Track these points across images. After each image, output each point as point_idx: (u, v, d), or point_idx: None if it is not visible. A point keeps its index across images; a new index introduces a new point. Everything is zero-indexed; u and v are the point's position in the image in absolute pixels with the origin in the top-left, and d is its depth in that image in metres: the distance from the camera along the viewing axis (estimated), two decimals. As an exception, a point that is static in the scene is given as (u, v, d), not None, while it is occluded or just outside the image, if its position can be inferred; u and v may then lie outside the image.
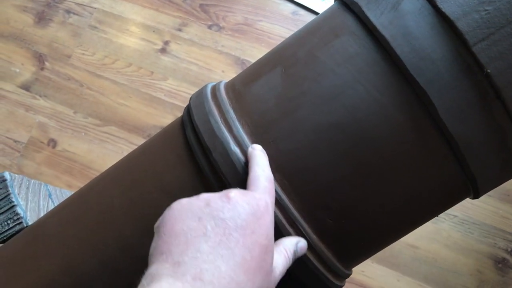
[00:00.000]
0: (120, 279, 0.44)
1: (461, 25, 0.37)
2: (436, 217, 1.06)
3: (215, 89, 0.47)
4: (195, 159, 0.43)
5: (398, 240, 1.08)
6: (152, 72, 1.26)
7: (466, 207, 1.09)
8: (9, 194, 0.66)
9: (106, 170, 0.52)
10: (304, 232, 0.41)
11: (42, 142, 1.24)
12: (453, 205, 0.46)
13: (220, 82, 0.48)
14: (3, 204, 0.65)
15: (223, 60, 1.25)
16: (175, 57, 1.27)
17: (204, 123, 0.43)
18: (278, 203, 0.40)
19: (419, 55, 0.38)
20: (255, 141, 0.41)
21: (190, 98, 0.47)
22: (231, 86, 0.47)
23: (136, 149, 0.51)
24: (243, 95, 0.44)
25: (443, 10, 0.37)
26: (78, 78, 1.28)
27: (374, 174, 0.40)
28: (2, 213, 0.65)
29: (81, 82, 1.28)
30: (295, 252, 0.38)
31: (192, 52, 1.26)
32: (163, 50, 1.28)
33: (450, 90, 0.37)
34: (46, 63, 1.30)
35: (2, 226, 0.65)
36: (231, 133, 0.42)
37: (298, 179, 0.40)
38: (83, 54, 1.30)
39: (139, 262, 0.43)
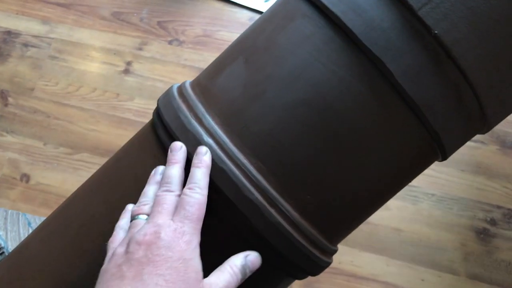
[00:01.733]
0: None
1: (405, -8, 0.39)
2: (415, 198, 1.08)
3: (181, 88, 0.48)
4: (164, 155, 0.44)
5: (382, 225, 1.10)
6: (118, 94, 1.26)
7: (442, 185, 1.11)
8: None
9: (81, 185, 0.52)
10: (285, 211, 0.41)
11: (14, 178, 1.22)
12: (424, 169, 0.48)
13: (185, 82, 0.49)
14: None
15: (187, 73, 1.26)
16: (139, 76, 1.27)
17: (174, 119, 0.44)
18: (257, 186, 0.41)
19: (370, 26, 0.39)
20: (227, 130, 0.42)
21: (158, 100, 0.48)
22: (197, 83, 0.48)
23: (109, 159, 0.51)
24: (210, 88, 0.45)
25: (386, -19, 0.39)
26: (44, 110, 1.27)
27: (344, 145, 0.41)
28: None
29: (47, 113, 1.27)
30: (243, 266, 0.41)
31: (155, 69, 1.27)
32: (126, 71, 1.28)
33: (404, 55, 0.39)
34: (9, 99, 1.29)
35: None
36: (202, 125, 0.43)
37: (273, 159, 0.42)
38: (46, 85, 1.29)
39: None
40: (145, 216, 0.42)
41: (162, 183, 0.42)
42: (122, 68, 1.28)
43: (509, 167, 1.11)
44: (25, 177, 1.22)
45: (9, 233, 0.65)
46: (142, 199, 0.43)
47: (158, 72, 1.27)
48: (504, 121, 1.13)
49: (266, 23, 0.46)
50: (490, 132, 1.12)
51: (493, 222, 1.08)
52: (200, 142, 0.42)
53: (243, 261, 0.41)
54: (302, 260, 0.43)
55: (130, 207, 0.45)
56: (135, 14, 1.32)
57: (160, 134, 0.45)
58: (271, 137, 0.42)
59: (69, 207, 0.49)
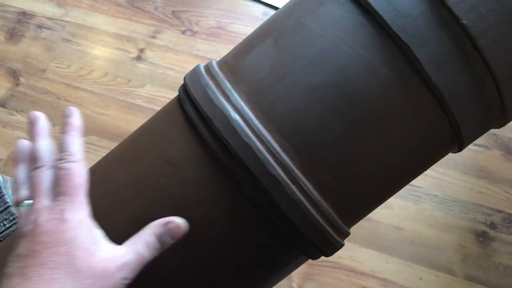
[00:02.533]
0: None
1: (435, -18, 0.40)
2: (417, 198, 1.10)
3: (208, 67, 0.49)
4: (196, 131, 0.45)
5: (384, 223, 1.12)
6: (129, 80, 1.27)
7: (445, 186, 1.13)
8: (3, 195, 0.66)
9: (104, 156, 0.53)
10: (306, 189, 0.43)
11: (22, 157, 1.23)
12: (440, 158, 0.49)
13: (212, 61, 0.50)
14: (-3, 206, 0.66)
15: (199, 63, 1.27)
16: (151, 63, 1.28)
17: (202, 95, 0.45)
18: (280, 162, 0.42)
19: (400, 13, 0.41)
20: (253, 107, 0.44)
21: (184, 78, 0.49)
22: (224, 62, 0.49)
23: (136, 130, 0.52)
24: (237, 67, 0.47)
25: (418, -30, 0.41)
26: (55, 91, 1.28)
27: (367, 128, 0.43)
28: (-2, 214, 0.65)
29: (58, 95, 1.28)
30: (156, 234, 0.39)
31: (167, 58, 1.28)
32: (138, 58, 1.29)
33: (431, 43, 0.41)
34: (21, 79, 1.30)
35: (-2, 227, 0.65)
36: (229, 101, 0.44)
37: (297, 138, 0.43)
38: (58, 67, 1.30)
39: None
40: (26, 202, 0.39)
41: (30, 161, 0.40)
42: (134, 55, 1.29)
43: (511, 173, 1.13)
44: (33, 157, 1.23)
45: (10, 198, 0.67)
46: (15, 185, 0.41)
47: (170, 60, 1.28)
48: (509, 127, 1.15)
49: (296, 7, 0.47)
50: (494, 137, 1.14)
51: (492, 225, 1.10)
52: (227, 118, 0.43)
53: (156, 227, 0.40)
54: (319, 239, 0.45)
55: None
56: (150, 2, 1.34)
57: (187, 109, 0.46)
58: (296, 116, 0.43)
59: (94, 174, 0.51)
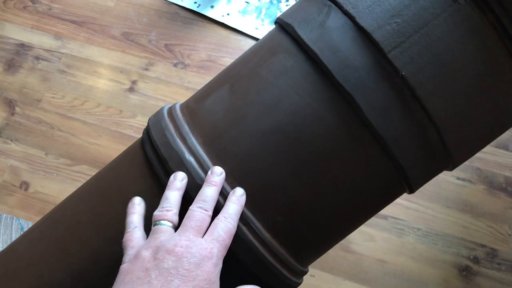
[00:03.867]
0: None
1: (377, 36, 0.43)
2: (401, 231, 1.10)
3: (171, 109, 0.51)
4: (154, 172, 0.47)
5: (367, 256, 1.12)
6: (121, 111, 1.31)
7: (428, 220, 1.14)
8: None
9: (73, 192, 0.55)
10: (256, 230, 0.45)
11: (14, 185, 1.26)
12: (392, 201, 0.51)
13: (176, 103, 0.53)
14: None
15: (189, 94, 1.29)
16: (143, 95, 1.31)
17: (161, 137, 0.47)
18: None
19: (343, 64, 0.43)
20: (208, 150, 0.46)
21: (149, 119, 0.52)
22: (186, 105, 0.51)
23: (102, 169, 0.55)
24: (196, 111, 0.49)
25: (361, 24, 0.43)
26: (49, 121, 1.31)
27: (313, 172, 0.45)
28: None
29: (51, 125, 1.31)
30: None
31: (159, 89, 1.31)
32: (131, 89, 1.33)
33: (373, 92, 0.43)
34: (17, 108, 1.33)
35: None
36: (186, 144, 0.46)
37: (248, 181, 0.45)
38: (53, 97, 1.34)
39: (110, 271, 0.46)
40: (169, 223, 0.43)
41: (198, 199, 0.43)
42: (127, 86, 1.33)
43: (494, 207, 1.14)
44: (25, 185, 1.26)
45: (2, 235, 0.68)
46: (165, 204, 0.44)
47: (162, 92, 1.31)
48: (493, 162, 1.16)
49: (252, 55, 0.50)
50: (478, 171, 1.15)
51: (476, 260, 1.10)
52: (182, 160, 0.45)
53: None
54: (271, 278, 0.46)
55: (137, 200, 0.46)
56: (144, 36, 1.38)
57: (147, 150, 0.48)
58: (246, 159, 0.45)
59: (60, 211, 0.53)
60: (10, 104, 1.34)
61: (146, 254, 0.40)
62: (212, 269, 0.40)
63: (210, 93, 0.50)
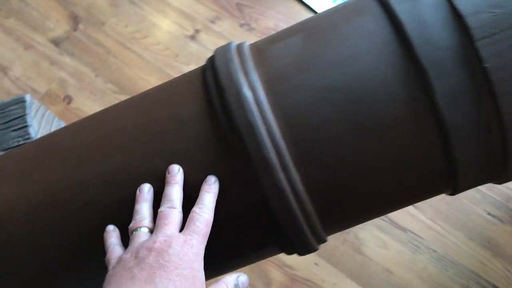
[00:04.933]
0: (120, 192, 0.47)
1: (470, 21, 0.41)
2: (416, 248, 1.08)
3: (240, 45, 0.51)
4: (209, 98, 0.47)
5: (375, 262, 1.10)
6: (178, 55, 1.32)
7: (447, 245, 1.11)
8: (25, 115, 0.70)
9: (124, 100, 0.56)
10: (293, 179, 0.44)
11: (58, 96, 1.29)
12: (430, 196, 0.49)
13: (245, 42, 0.53)
14: (18, 122, 0.70)
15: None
16: (203, 46, 1.32)
17: (224, 66, 0.47)
18: (277, 148, 0.44)
19: (428, 41, 0.42)
20: (267, 90, 0.45)
21: (215, 49, 0.52)
22: (255, 45, 0.51)
23: (153, 87, 0.55)
24: (264, 51, 0.49)
25: (458, 6, 0.42)
26: (107, 45, 1.33)
27: (367, 139, 0.44)
28: (16, 130, 0.69)
29: (108, 50, 1.33)
30: (236, 285, 0.44)
31: (219, 45, 1.31)
32: (192, 37, 1.33)
33: (450, 76, 0.41)
34: (80, 25, 1.36)
35: (12, 142, 0.69)
36: (247, 78, 0.46)
37: (299, 130, 0.44)
38: (117, 24, 1.36)
39: (140, 179, 0.47)
40: (146, 229, 0.44)
41: (164, 201, 0.45)
42: (190, 33, 1.34)
43: (517, 252, 1.10)
44: (68, 99, 1.28)
45: (41, 129, 0.70)
46: (137, 216, 0.45)
47: (221, 48, 1.31)
48: (529, 207, 1.12)
49: (336, 12, 0.49)
50: (510, 212, 1.11)
51: (483, 298, 1.07)
52: (240, 92, 0.45)
53: (235, 280, 0.45)
54: (293, 232, 0.46)
55: (111, 228, 0.47)
56: (219, -11, 1.38)
57: (207, 76, 0.48)
58: (304, 110, 0.44)
59: (103, 114, 0.53)
60: (75, 20, 1.37)
61: (127, 256, 0.41)
62: (193, 257, 0.41)
63: (282, 38, 0.49)
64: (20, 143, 0.68)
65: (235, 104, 0.45)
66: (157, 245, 0.41)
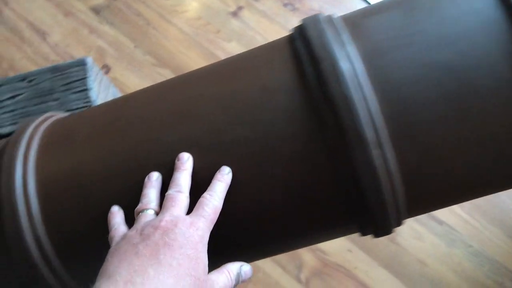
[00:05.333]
0: (201, 160, 0.46)
1: None
2: (452, 241, 1.07)
3: (329, 17, 0.49)
4: (301, 68, 0.45)
5: (409, 253, 1.09)
6: (219, 31, 1.30)
7: (483, 241, 1.10)
8: (86, 78, 0.69)
9: (199, 68, 0.55)
10: (387, 158, 0.43)
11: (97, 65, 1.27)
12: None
13: (331, 14, 0.51)
14: (79, 85, 0.68)
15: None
16: (245, 23, 1.30)
17: (317, 37, 0.46)
18: (373, 123, 0.42)
19: None
20: (365, 63, 0.44)
21: (302, 20, 0.50)
22: (345, 18, 0.49)
23: (234, 56, 0.54)
24: (360, 24, 0.47)
25: None
26: (148, 17, 1.32)
27: (468, 121, 0.42)
28: (75, 92, 0.68)
29: (149, 21, 1.31)
30: (238, 274, 0.44)
31: (261, 24, 1.30)
32: (234, 14, 1.31)
33: None
34: (121, -6, 1.34)
35: (72, 105, 0.68)
36: (344, 50, 0.44)
37: (397, 107, 0.43)
38: (159, -4, 1.34)
39: (222, 148, 0.45)
40: (152, 211, 0.44)
41: (172, 185, 0.45)
42: (232, 10, 1.31)
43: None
44: (106, 68, 1.27)
45: (100, 93, 0.69)
46: (144, 199, 0.45)
47: (263, 27, 1.29)
48: None
49: None
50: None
51: (517, 296, 1.06)
52: (336, 64, 0.43)
53: (238, 269, 0.44)
54: (379, 211, 0.44)
55: (115, 208, 0.47)
56: (264, -33, 1.35)
57: (297, 46, 0.47)
58: (404, 86, 0.43)
59: (183, 79, 0.52)
60: (117, -11, 1.35)
61: (132, 233, 0.41)
62: (198, 239, 0.41)
63: (378, 12, 0.47)
64: (80, 106, 0.66)
65: (330, 76, 0.43)
66: (163, 223, 0.41)
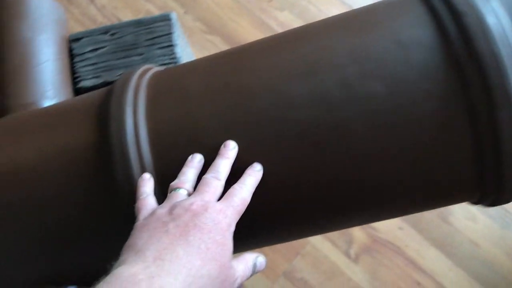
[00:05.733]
0: (332, 114, 0.44)
1: None
2: (507, 224, 1.05)
3: None
4: (438, 23, 0.43)
5: (462, 233, 1.08)
6: (271, 0, 1.27)
7: (538, 225, 1.08)
8: (172, 33, 0.66)
9: (321, 20, 0.52)
10: None
11: (145, 30, 1.25)
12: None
13: None
14: (164, 40, 0.66)
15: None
16: (298, -7, 1.27)
17: None
18: None
19: None
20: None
21: None
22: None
23: (358, 8, 0.51)
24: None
25: None
26: (198, -18, 1.29)
27: None
28: (161, 48, 0.66)
29: (199, -13, 1.28)
30: (254, 264, 0.44)
31: (315, -6, 1.26)
32: (288, -17, 1.28)
33: None
34: (172, -42, 1.31)
35: (157, 60, 0.66)
36: (489, 5, 0.42)
37: None
38: (210, -39, 1.30)
39: (355, 102, 0.43)
40: (185, 191, 0.44)
41: (211, 170, 0.45)
42: (285, -22, 1.28)
43: None
44: (155, 33, 1.24)
45: (184, 49, 0.67)
46: (182, 177, 0.45)
47: (317, -3, 1.26)
48: None
49: None
50: None
51: None
52: (482, 19, 0.41)
53: (255, 259, 0.45)
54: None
55: (147, 176, 0.47)
56: None
57: (434, 1, 0.44)
58: None
59: (305, 30, 0.50)
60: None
61: (162, 211, 0.41)
62: (226, 227, 0.41)
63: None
64: (166, 62, 0.64)
65: (477, 32, 0.41)
66: (194, 207, 0.41)
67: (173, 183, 0.45)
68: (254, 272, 0.45)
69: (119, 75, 0.64)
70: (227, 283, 0.40)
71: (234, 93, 0.46)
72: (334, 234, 1.09)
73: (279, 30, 1.24)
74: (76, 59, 0.66)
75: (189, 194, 0.44)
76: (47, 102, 0.61)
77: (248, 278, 0.44)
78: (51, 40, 0.64)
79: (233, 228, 0.42)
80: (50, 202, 0.47)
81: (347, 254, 1.08)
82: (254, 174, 0.46)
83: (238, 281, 0.42)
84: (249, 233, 0.49)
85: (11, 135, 0.52)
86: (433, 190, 0.46)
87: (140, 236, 0.39)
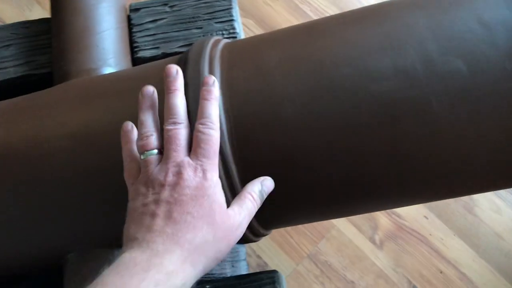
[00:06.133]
0: (413, 87, 0.45)
1: None
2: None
3: None
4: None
5: (486, 225, 1.09)
6: (307, -15, 1.27)
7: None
8: (231, 8, 0.67)
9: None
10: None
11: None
12: None
13: None
14: (224, 15, 0.67)
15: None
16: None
17: None
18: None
19: None
20: None
21: None
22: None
23: None
24: None
25: None
26: (233, -36, 1.29)
27: None
28: (221, 22, 0.67)
29: (234, -31, 1.28)
30: (260, 191, 0.44)
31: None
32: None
33: None
34: None
35: (216, 34, 0.66)
36: None
37: None
38: None
39: (437, 77, 0.44)
40: (155, 151, 0.43)
41: (167, 114, 0.43)
42: (320, -37, 1.29)
43: None
44: (189, 13, 1.25)
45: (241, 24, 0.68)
46: (143, 130, 0.43)
47: (351, -16, 1.27)
48: None
49: None
50: None
51: None
52: None
53: (259, 186, 0.44)
54: None
55: (129, 126, 0.45)
56: None
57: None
58: None
59: (379, 7, 0.51)
60: None
61: (143, 190, 0.41)
62: (206, 184, 0.41)
63: None
64: (225, 36, 0.65)
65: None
66: (169, 179, 0.41)
67: (138, 145, 0.44)
68: (264, 197, 0.44)
69: (178, 47, 0.65)
70: (230, 233, 0.41)
71: (317, 64, 0.47)
72: (360, 220, 1.11)
73: (313, 16, 1.24)
74: (135, 29, 0.67)
75: (160, 150, 0.43)
76: (109, 70, 0.61)
77: (259, 207, 0.44)
78: (113, 7, 0.64)
79: (215, 177, 0.42)
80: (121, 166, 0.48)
81: (372, 240, 1.10)
82: (211, 95, 0.44)
83: (244, 222, 0.43)
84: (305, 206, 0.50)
85: (83, 99, 0.53)
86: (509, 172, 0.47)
87: (129, 226, 0.41)
